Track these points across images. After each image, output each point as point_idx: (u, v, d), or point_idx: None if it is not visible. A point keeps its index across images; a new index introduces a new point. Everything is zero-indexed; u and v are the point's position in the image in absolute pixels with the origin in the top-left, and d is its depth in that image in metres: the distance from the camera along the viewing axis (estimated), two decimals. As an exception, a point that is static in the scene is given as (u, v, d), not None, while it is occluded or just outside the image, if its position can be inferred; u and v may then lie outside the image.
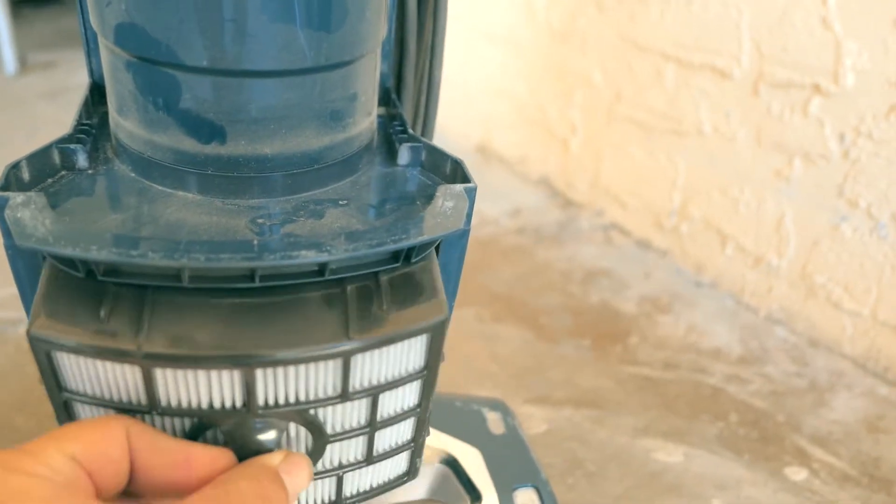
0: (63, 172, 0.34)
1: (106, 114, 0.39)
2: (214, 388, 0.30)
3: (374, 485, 0.39)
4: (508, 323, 0.94)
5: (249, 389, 0.30)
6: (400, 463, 0.40)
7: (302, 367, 0.30)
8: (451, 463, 0.53)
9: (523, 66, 1.36)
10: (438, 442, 0.55)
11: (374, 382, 0.33)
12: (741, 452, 0.75)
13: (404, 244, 0.31)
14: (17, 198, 0.30)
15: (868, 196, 0.86)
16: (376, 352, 0.31)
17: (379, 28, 0.35)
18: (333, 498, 0.38)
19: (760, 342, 0.94)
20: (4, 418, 0.72)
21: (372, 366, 0.32)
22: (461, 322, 0.93)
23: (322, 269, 0.31)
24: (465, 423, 0.57)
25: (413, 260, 0.33)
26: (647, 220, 1.16)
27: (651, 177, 1.14)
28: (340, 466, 0.36)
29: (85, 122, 0.38)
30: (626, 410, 0.80)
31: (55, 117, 1.52)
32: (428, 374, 0.34)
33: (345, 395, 0.32)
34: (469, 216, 0.34)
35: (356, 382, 0.32)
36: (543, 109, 1.33)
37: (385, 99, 0.44)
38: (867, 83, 0.84)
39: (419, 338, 0.32)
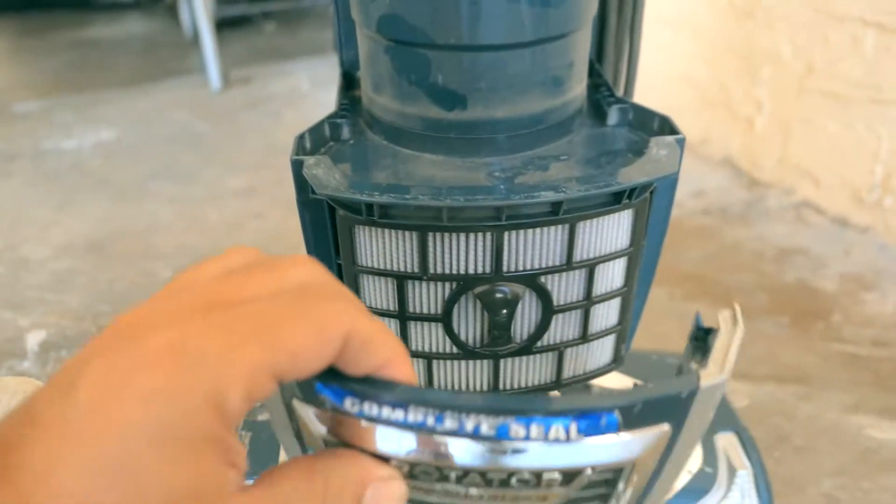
0: (332, 143, 0.42)
1: (354, 98, 0.46)
2: (471, 255, 0.38)
3: (588, 369, 0.45)
4: (701, 301, 0.94)
5: (498, 253, 0.37)
6: (607, 350, 0.46)
7: (539, 234, 0.37)
8: None
9: (704, 49, 1.34)
10: None
11: (592, 255, 0.39)
12: (968, 432, 0.71)
13: (628, 185, 0.35)
14: (310, 160, 0.37)
15: None
16: (594, 221, 0.37)
17: (592, 4, 0.40)
18: (554, 377, 0.44)
19: (984, 320, 0.87)
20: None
21: (590, 237, 0.38)
22: (653, 301, 0.94)
23: (556, 209, 0.36)
24: (662, 375, 0.60)
25: (633, 201, 0.38)
26: (843, 196, 1.11)
27: (848, 150, 1.09)
28: (561, 343, 0.43)
29: (344, 101, 0.46)
30: (833, 387, 0.78)
31: (257, 124, 1.69)
32: (633, 251, 0.40)
33: (569, 264, 0.39)
34: (679, 163, 0.38)
35: (578, 254, 0.39)
36: (726, 90, 1.30)
37: (590, 70, 0.48)
38: None
39: (627, 213, 0.38)
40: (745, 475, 0.53)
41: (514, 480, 0.29)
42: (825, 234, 1.09)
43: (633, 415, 0.27)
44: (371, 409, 0.27)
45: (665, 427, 0.28)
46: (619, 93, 0.55)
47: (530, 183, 0.36)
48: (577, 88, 0.41)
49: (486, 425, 0.26)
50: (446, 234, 0.38)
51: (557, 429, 0.27)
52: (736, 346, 0.28)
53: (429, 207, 0.36)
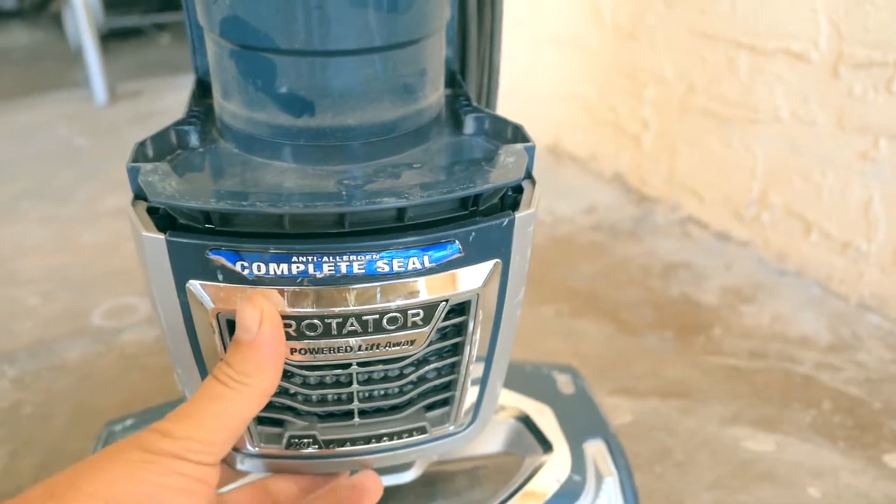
0: (179, 151, 0.39)
1: (209, 105, 0.44)
2: None
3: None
4: (589, 318, 0.94)
5: None
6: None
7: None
8: (524, 419, 0.57)
9: (591, 67, 1.36)
10: (512, 400, 0.58)
11: None
12: (836, 440, 0.73)
13: (472, 191, 0.35)
14: (146, 166, 0.36)
15: (962, 173, 0.83)
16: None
17: (443, 10, 0.39)
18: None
19: (852, 329, 0.91)
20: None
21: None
22: (541, 318, 0.94)
23: (401, 215, 0.35)
24: (537, 385, 0.60)
25: (480, 208, 0.37)
26: (725, 212, 1.14)
27: (728, 168, 1.12)
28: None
29: (194, 108, 0.43)
30: (713, 400, 0.79)
31: (144, 141, 1.61)
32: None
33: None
34: (529, 171, 0.38)
35: None
36: (613, 108, 1.33)
37: (451, 81, 0.48)
38: (955, 56, 0.81)
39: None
40: (611, 482, 0.53)
41: (385, 321, 0.35)
42: (708, 248, 1.12)
43: (470, 243, 0.35)
44: (259, 267, 0.33)
45: (496, 261, 0.36)
46: (483, 104, 0.54)
47: (376, 190, 0.35)
48: (432, 97, 0.40)
49: (357, 265, 0.34)
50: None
51: (414, 260, 0.34)
52: (538, 192, 0.37)
53: (269, 215, 0.34)
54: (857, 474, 0.69)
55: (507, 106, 0.57)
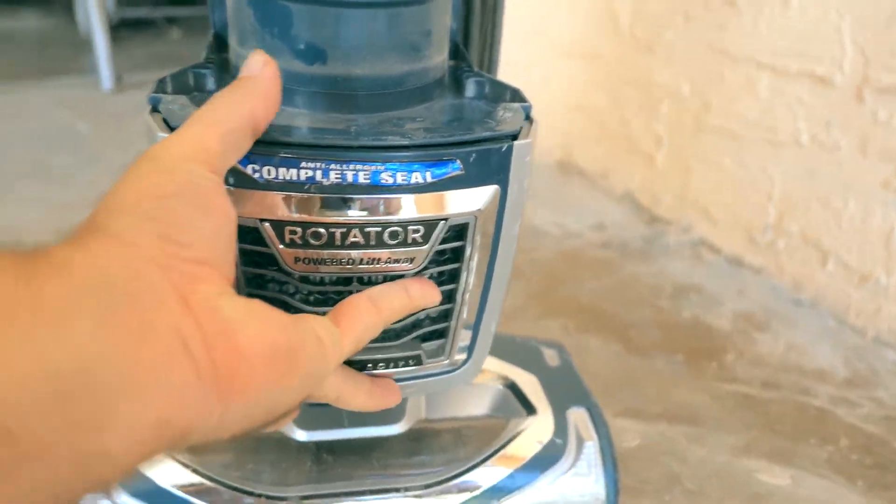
0: (195, 93, 0.41)
1: (225, 58, 0.47)
2: None
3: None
4: (596, 335, 0.91)
5: None
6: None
7: None
8: (511, 385, 0.59)
9: (605, 80, 1.34)
10: (499, 368, 0.60)
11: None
12: (854, 479, 0.70)
13: (471, 136, 0.37)
14: (167, 97, 0.38)
15: None
16: None
17: None
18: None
19: (869, 364, 0.88)
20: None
21: None
22: (546, 333, 0.91)
23: None
24: (524, 356, 0.62)
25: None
26: (738, 236, 1.11)
27: (743, 190, 1.10)
28: None
29: (211, 56, 0.45)
30: (724, 428, 0.76)
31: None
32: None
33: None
34: (524, 126, 0.40)
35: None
36: (627, 123, 1.30)
37: (455, 52, 0.51)
38: None
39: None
40: (591, 446, 0.54)
41: (386, 235, 0.37)
42: (720, 272, 1.09)
43: (470, 164, 0.37)
44: (269, 171, 0.35)
45: (495, 186, 0.38)
46: None
47: (382, 131, 0.38)
48: (436, 58, 0.43)
49: (363, 174, 0.35)
50: None
51: (416, 175, 0.36)
52: (536, 129, 0.39)
53: (277, 144, 0.36)
54: (874, 515, 0.66)
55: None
